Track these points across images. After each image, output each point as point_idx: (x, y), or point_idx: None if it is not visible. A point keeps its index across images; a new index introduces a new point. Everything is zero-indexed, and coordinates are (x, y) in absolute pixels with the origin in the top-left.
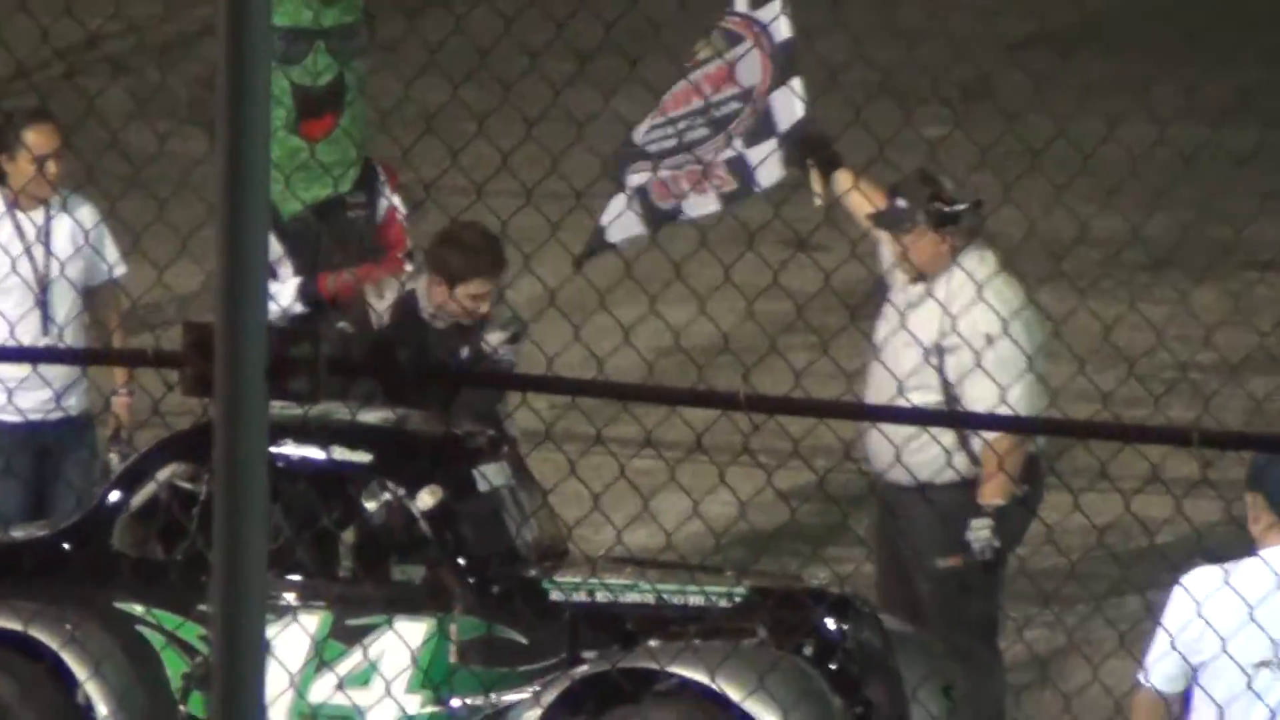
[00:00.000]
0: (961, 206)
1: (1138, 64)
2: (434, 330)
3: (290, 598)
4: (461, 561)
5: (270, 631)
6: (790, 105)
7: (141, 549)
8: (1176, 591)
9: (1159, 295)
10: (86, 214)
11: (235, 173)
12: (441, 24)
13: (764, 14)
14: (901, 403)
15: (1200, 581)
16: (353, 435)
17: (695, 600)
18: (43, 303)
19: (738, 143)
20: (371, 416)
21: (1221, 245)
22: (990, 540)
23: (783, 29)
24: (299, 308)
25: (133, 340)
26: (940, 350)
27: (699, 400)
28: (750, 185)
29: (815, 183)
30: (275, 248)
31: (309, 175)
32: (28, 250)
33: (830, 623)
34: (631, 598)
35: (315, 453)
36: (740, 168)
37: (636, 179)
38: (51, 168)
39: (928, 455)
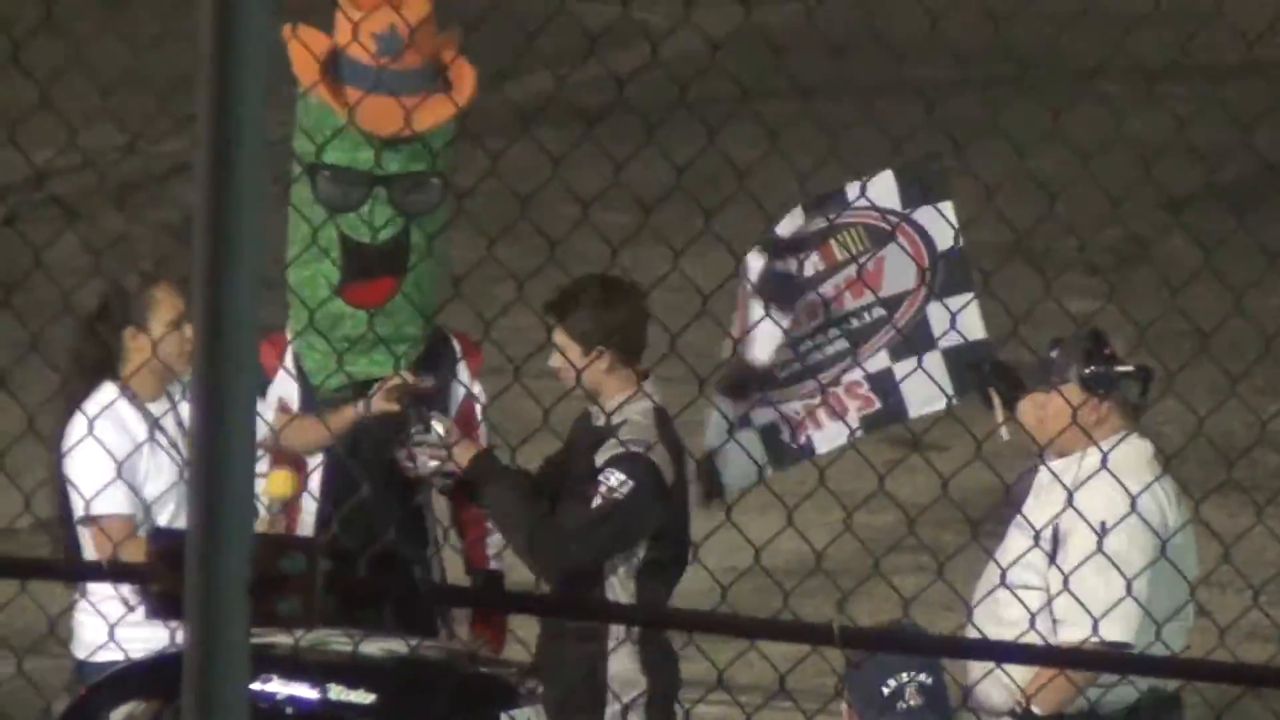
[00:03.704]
0: (1125, 368)
1: None
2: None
3: None
4: None
5: None
6: (965, 321)
7: None
8: None
9: None
10: None
11: (215, 341)
12: (471, 163)
13: (923, 217)
14: (1004, 598)
15: None
16: (353, 670)
17: None
18: None
19: (882, 355)
20: (375, 647)
21: None
22: None
23: (949, 236)
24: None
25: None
26: (1056, 536)
27: (783, 633)
28: (900, 409)
29: (999, 412)
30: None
31: (358, 348)
32: None
33: None
34: None
35: (307, 691)
36: (886, 385)
37: (761, 416)
38: None
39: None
